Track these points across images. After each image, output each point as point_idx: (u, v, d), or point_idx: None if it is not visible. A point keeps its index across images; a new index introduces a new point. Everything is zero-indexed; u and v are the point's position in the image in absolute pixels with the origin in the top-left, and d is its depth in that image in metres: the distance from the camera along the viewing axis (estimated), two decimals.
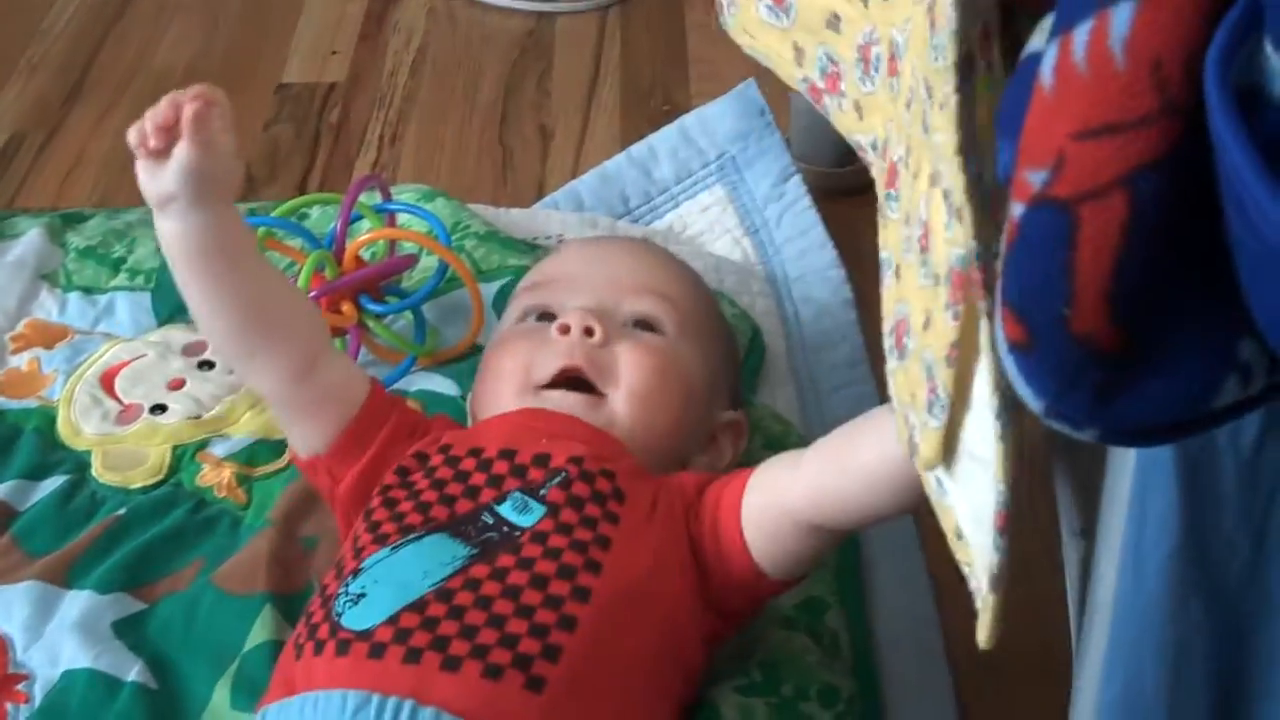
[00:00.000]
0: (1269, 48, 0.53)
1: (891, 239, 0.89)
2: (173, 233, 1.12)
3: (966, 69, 0.67)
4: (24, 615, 1.24)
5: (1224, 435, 0.72)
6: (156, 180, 1.10)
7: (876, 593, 1.32)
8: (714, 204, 1.77)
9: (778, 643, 1.19)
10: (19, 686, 1.19)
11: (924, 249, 0.79)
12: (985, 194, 0.69)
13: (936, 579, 1.35)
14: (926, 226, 0.78)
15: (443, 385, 1.44)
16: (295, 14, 2.34)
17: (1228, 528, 0.73)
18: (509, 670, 0.98)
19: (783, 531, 1.08)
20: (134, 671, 1.19)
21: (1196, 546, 0.73)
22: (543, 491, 1.09)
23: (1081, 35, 0.57)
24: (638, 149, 1.82)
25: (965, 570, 0.80)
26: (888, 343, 0.90)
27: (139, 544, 1.31)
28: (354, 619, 1.02)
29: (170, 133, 1.08)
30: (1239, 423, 0.69)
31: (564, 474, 1.10)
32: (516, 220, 1.75)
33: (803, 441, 1.39)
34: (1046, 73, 0.59)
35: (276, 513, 1.32)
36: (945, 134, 0.70)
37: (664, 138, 1.82)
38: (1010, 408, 0.71)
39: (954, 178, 0.69)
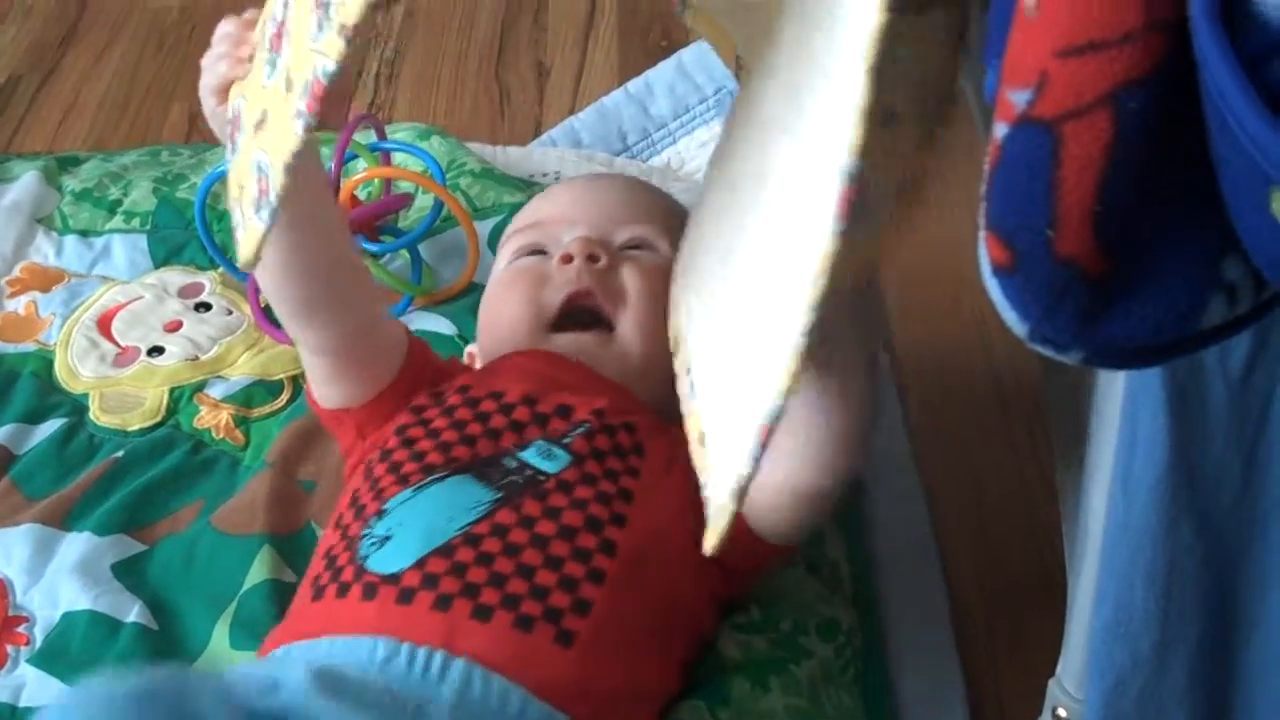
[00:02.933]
0: None
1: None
2: None
3: None
4: (23, 558, 1.24)
5: (1213, 357, 0.71)
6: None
7: (874, 518, 1.32)
8: (711, 139, 1.76)
9: (776, 579, 1.19)
10: (19, 629, 1.20)
11: (274, 49, 0.79)
12: None
13: (933, 502, 1.36)
14: (282, 26, 0.78)
15: (440, 324, 1.44)
16: None
17: (1218, 450, 0.73)
18: (540, 623, 0.97)
19: (777, 505, 1.07)
20: (134, 612, 1.19)
21: (1186, 469, 0.73)
22: (566, 440, 1.09)
23: None
24: (635, 85, 1.81)
25: (702, 478, 0.79)
26: (225, 130, 0.92)
27: (137, 486, 1.31)
28: (380, 562, 1.01)
29: None
30: (1228, 345, 0.69)
31: (587, 425, 1.10)
32: (513, 158, 1.74)
33: None
34: None
35: (274, 454, 1.32)
36: None
37: (661, 73, 1.81)
38: (818, 331, 0.69)
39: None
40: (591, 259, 1.20)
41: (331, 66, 0.72)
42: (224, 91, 0.98)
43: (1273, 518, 0.73)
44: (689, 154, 1.75)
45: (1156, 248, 0.59)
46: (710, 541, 0.76)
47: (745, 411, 0.73)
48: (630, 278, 1.20)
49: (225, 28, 0.98)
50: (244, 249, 0.83)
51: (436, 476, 1.06)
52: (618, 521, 1.04)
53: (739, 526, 1.07)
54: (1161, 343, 0.61)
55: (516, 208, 1.53)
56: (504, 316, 1.22)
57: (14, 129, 1.97)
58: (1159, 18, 0.55)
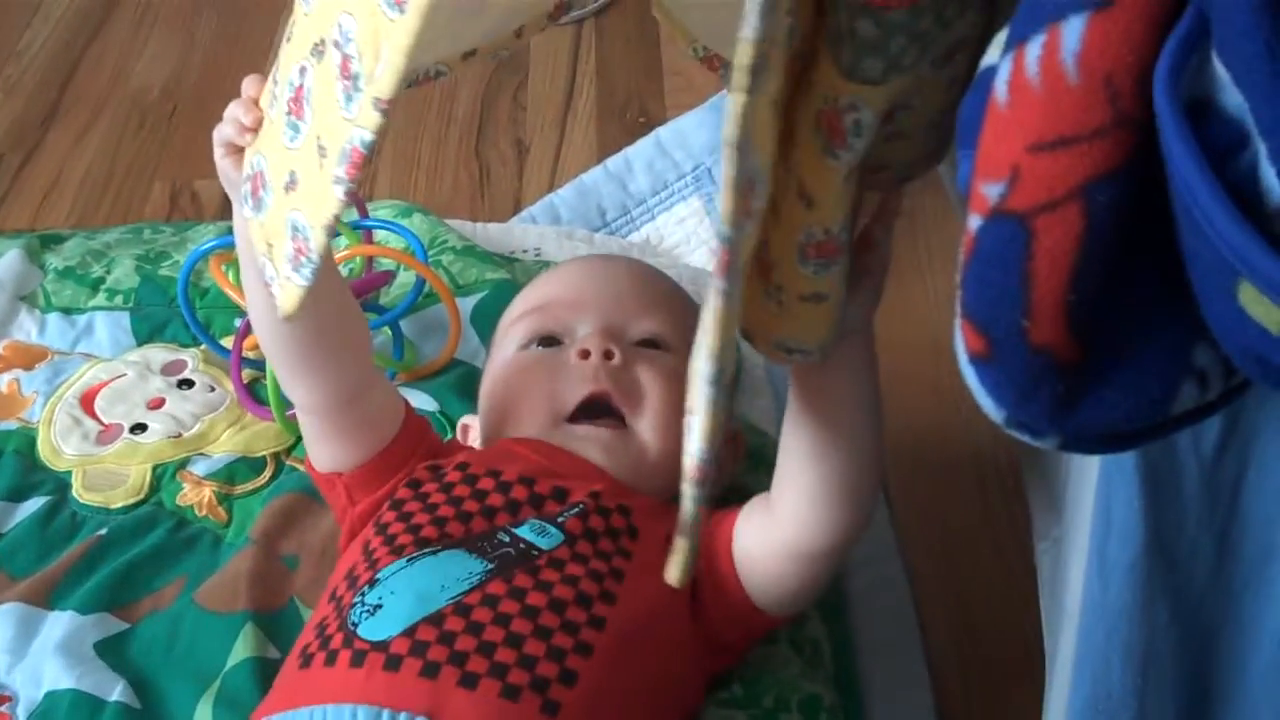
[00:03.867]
0: (1216, 60, 0.54)
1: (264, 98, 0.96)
2: (239, 227, 1.06)
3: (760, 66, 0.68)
4: (6, 637, 1.24)
5: (1185, 440, 0.73)
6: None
7: (856, 597, 1.33)
8: (690, 216, 1.78)
9: (759, 656, 1.19)
10: (2, 708, 1.20)
11: (295, 114, 0.85)
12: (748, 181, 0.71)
13: (913, 578, 1.36)
14: (300, 91, 0.83)
15: (421, 400, 1.45)
16: (270, 32, 2.34)
17: (1191, 531, 0.74)
18: (526, 692, 0.98)
19: (781, 572, 1.10)
20: (116, 691, 1.19)
21: (1161, 551, 0.74)
22: (560, 519, 1.10)
23: (1034, 50, 0.58)
24: (614, 162, 1.83)
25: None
26: (244, 189, 0.96)
27: (120, 564, 1.31)
28: (370, 629, 1.02)
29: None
30: (1200, 428, 0.70)
31: (581, 506, 1.11)
32: (493, 235, 1.75)
33: None
34: (1001, 87, 0.60)
35: (257, 531, 1.32)
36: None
37: (640, 150, 1.83)
38: (721, 379, 0.74)
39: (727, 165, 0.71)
40: (607, 356, 1.21)
41: (369, 137, 0.77)
42: (232, 148, 1.00)
43: (1245, 598, 0.74)
44: (667, 230, 1.77)
45: (1129, 336, 0.60)
46: (672, 574, 0.83)
47: (690, 456, 0.78)
48: (646, 378, 1.21)
49: (233, 109, 1.00)
50: (284, 304, 0.88)
51: (430, 550, 1.07)
52: (607, 599, 1.05)
53: (738, 598, 1.09)
54: (1135, 429, 0.62)
55: (498, 284, 1.55)
56: (518, 406, 1.22)
57: None
58: (1127, 114, 0.57)
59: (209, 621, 1.25)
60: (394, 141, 2.09)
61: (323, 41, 0.82)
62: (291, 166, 0.87)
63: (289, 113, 0.87)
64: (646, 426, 1.19)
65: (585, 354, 1.21)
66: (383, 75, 0.75)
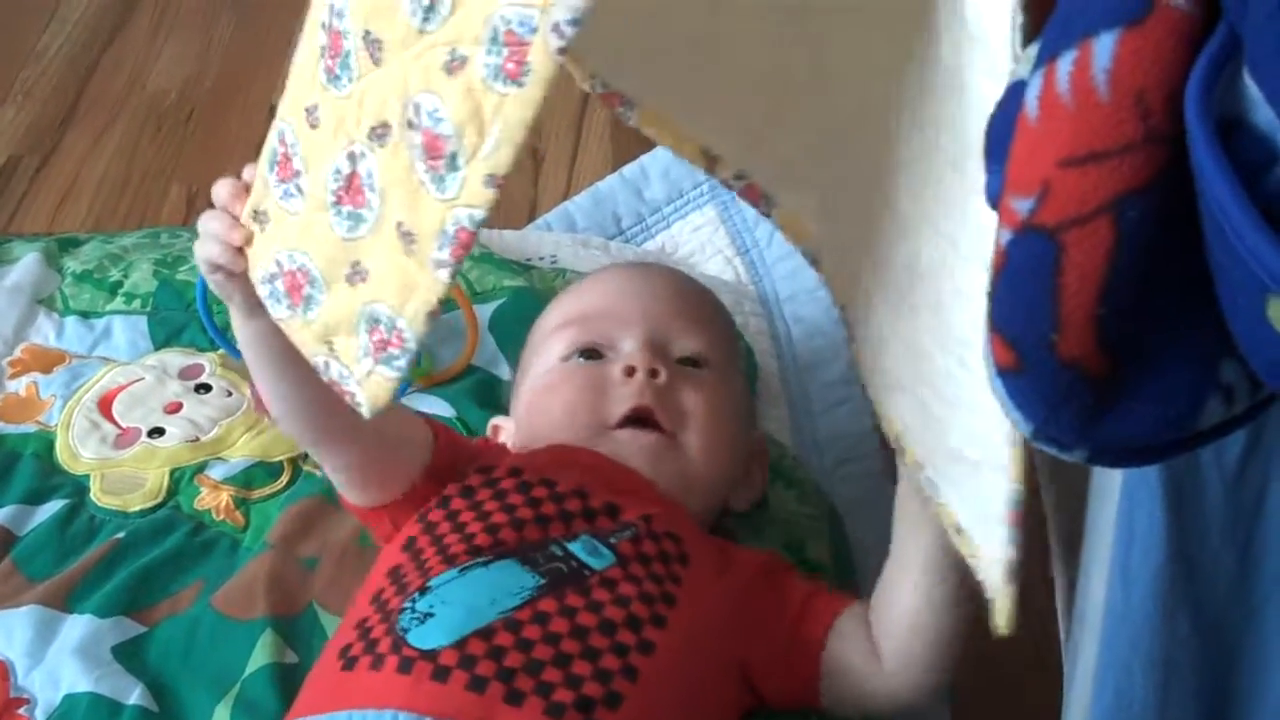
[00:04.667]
0: (1248, 78, 0.55)
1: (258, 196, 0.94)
2: (240, 331, 1.08)
3: None
4: (25, 640, 1.25)
5: (1208, 454, 0.73)
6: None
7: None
8: (705, 224, 1.78)
9: None
10: (20, 711, 1.20)
11: (350, 203, 0.84)
12: None
13: None
14: (354, 180, 0.83)
15: (438, 407, 1.45)
16: (288, 35, 2.33)
17: (1213, 543, 0.75)
18: (570, 710, 0.98)
19: (871, 706, 1.12)
20: (134, 695, 1.20)
21: (1183, 562, 0.75)
22: (612, 540, 1.10)
23: (1065, 65, 0.58)
24: (629, 169, 1.83)
25: (971, 562, 0.83)
26: (270, 289, 0.93)
27: (138, 567, 1.32)
28: (420, 637, 1.02)
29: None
30: (1223, 442, 0.71)
31: (634, 529, 1.11)
32: (509, 241, 1.76)
33: (796, 465, 1.40)
34: (1031, 102, 0.60)
35: (275, 535, 1.33)
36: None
37: (655, 158, 1.83)
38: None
39: None
40: (653, 374, 1.21)
41: (480, 214, 0.76)
42: (227, 261, 0.99)
43: (1267, 611, 0.74)
44: (682, 238, 1.77)
45: (1157, 350, 0.60)
46: (1000, 620, 0.80)
47: (991, 503, 0.77)
48: (690, 399, 1.22)
49: (213, 224, 0.99)
50: (373, 400, 0.86)
51: (482, 560, 1.07)
52: (658, 622, 1.05)
53: (807, 690, 1.10)
54: (1162, 442, 0.62)
55: (517, 291, 1.55)
56: (561, 414, 1.23)
57: (13, 210, 1.99)
58: (1158, 130, 0.57)
59: (227, 627, 1.25)
60: None
61: (384, 125, 0.81)
62: (354, 257, 0.85)
63: (337, 202, 0.85)
64: (692, 442, 1.20)
65: (630, 371, 1.21)
66: (498, 151, 0.74)
